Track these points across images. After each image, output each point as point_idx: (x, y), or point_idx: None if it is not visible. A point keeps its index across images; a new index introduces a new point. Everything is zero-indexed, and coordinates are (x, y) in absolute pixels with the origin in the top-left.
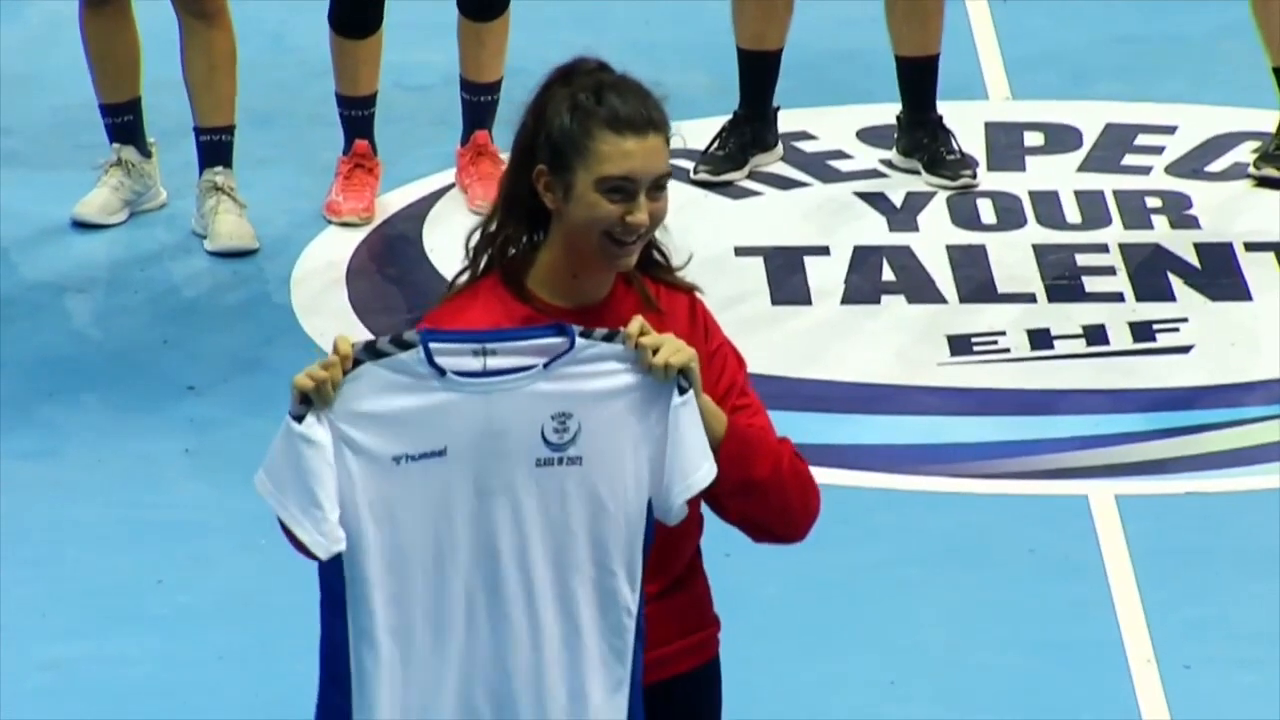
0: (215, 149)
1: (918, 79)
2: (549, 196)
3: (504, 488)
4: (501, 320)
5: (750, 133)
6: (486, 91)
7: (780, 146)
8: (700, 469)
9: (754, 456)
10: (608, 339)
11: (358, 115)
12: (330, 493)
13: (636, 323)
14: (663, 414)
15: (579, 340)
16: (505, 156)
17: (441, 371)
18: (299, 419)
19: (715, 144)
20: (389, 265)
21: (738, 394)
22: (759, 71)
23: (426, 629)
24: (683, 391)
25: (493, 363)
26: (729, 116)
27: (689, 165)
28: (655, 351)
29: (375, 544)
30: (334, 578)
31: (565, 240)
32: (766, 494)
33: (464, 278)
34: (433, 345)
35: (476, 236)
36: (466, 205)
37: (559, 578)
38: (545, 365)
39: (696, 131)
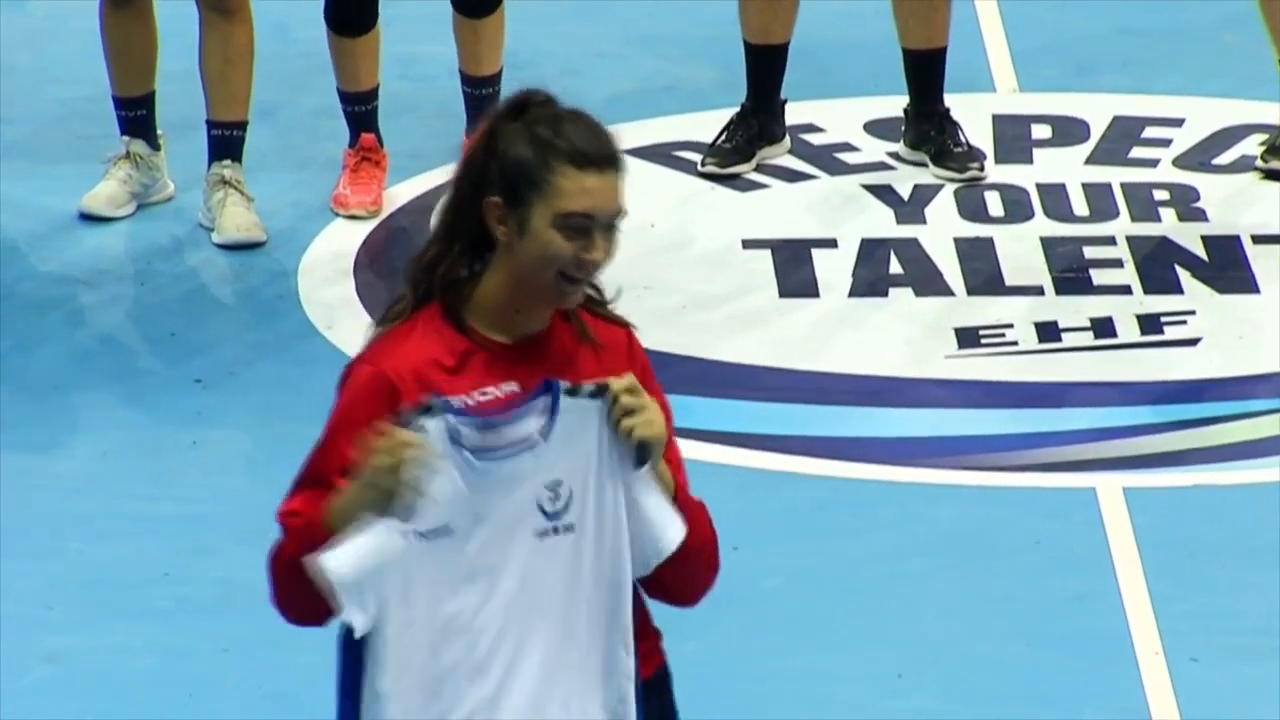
0: (226, 143)
1: (924, 72)
2: (501, 229)
3: (508, 563)
4: (441, 354)
5: (757, 125)
6: (487, 84)
7: (788, 139)
8: (668, 530)
9: (689, 526)
10: (594, 394)
11: (361, 110)
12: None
13: (626, 380)
14: (627, 480)
15: (564, 400)
16: None
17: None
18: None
19: (722, 137)
20: (396, 258)
21: (667, 447)
22: (766, 65)
23: (429, 701)
24: (639, 465)
25: (494, 439)
26: (736, 109)
27: (697, 157)
28: (629, 413)
29: (392, 617)
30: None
31: (512, 274)
32: (687, 564)
33: (400, 306)
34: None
35: (413, 266)
36: None
37: (563, 655)
38: (543, 434)
39: (703, 124)
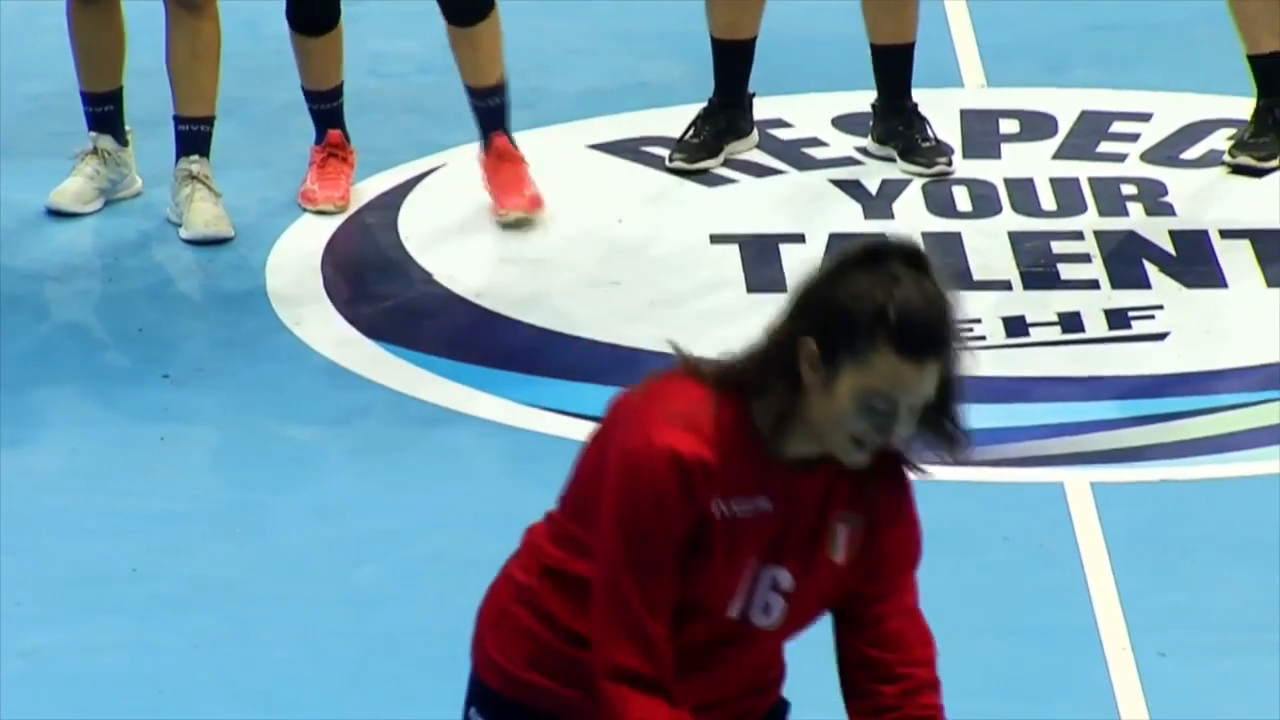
0: (193, 138)
1: (893, 67)
2: (810, 374)
3: None
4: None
5: (725, 121)
6: (492, 94)
7: (755, 134)
8: None
9: None
10: None
11: (325, 108)
12: None
13: None
14: None
15: None
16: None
17: None
18: None
19: (690, 132)
20: (364, 253)
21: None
22: (733, 60)
23: None
24: None
25: None
26: (704, 105)
27: (666, 153)
28: None
29: None
30: None
31: (808, 415)
32: None
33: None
34: None
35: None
36: (492, 212)
37: None
38: None
39: (672, 120)
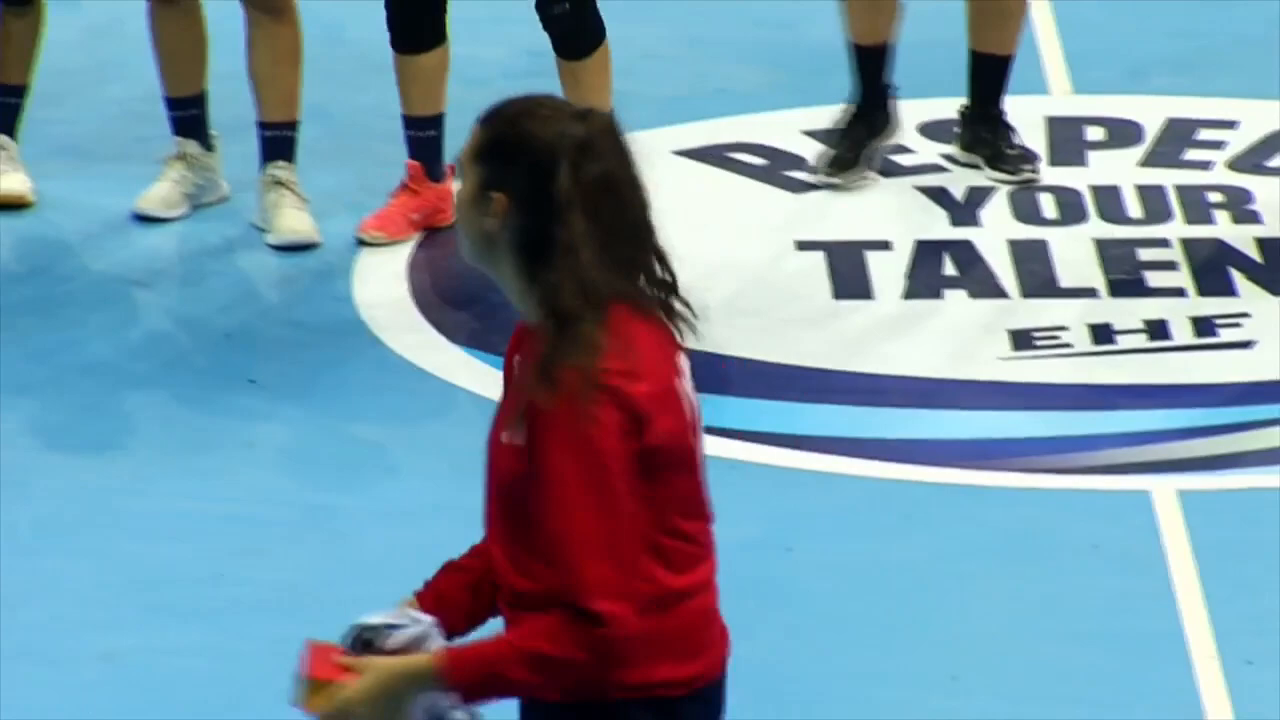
0: (278, 144)
1: (990, 76)
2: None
3: None
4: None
5: (865, 128)
6: None
7: (897, 123)
8: None
9: (491, 671)
10: None
11: (411, 135)
12: None
13: None
14: None
15: None
16: None
17: None
18: None
19: (836, 146)
20: (450, 259)
21: None
22: (871, 64)
23: None
24: None
25: None
26: (842, 111)
27: (749, 159)
28: None
29: None
30: None
31: None
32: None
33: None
34: None
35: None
36: None
37: None
38: None
39: (754, 126)
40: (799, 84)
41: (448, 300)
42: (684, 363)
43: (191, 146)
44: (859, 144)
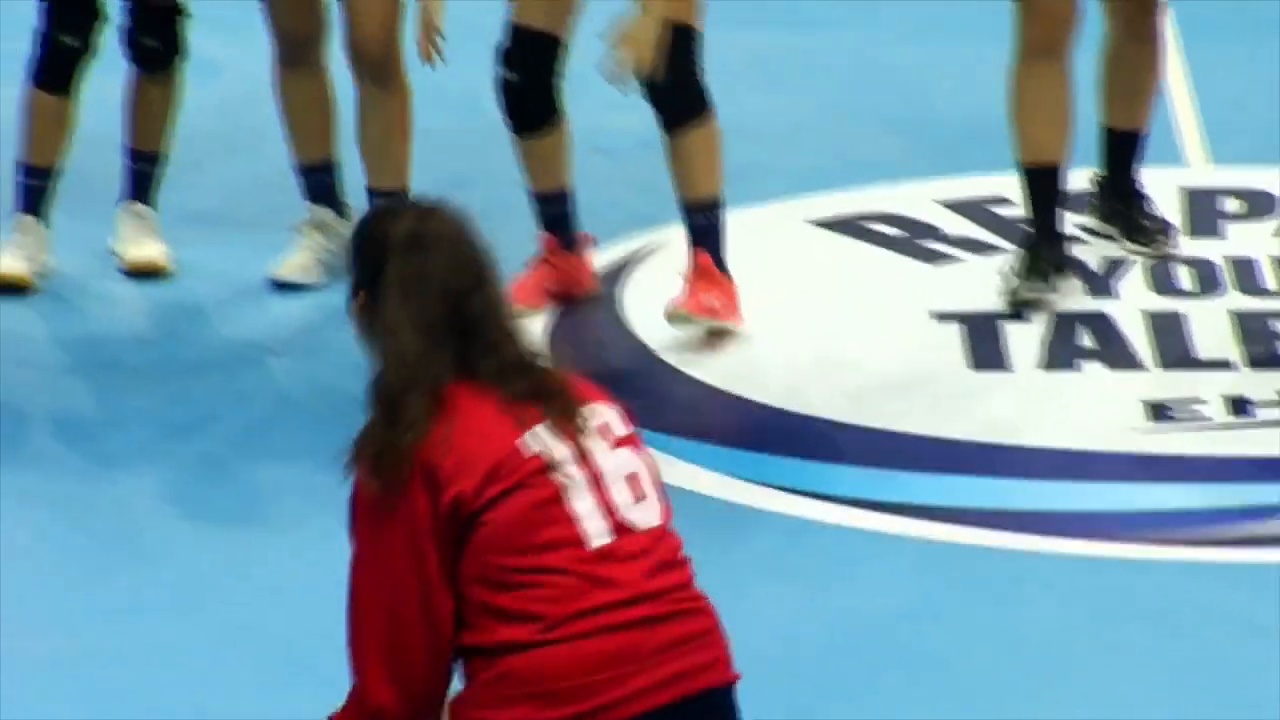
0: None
1: (1123, 151)
2: None
3: None
4: None
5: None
6: (697, 210)
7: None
8: None
9: None
10: None
11: (539, 210)
12: None
13: None
14: None
15: None
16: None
17: None
18: None
19: (1026, 268)
20: (587, 329)
21: None
22: (1043, 189)
23: None
24: None
25: None
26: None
27: (887, 230)
28: None
29: None
30: None
31: None
32: None
33: None
34: None
35: None
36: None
37: None
38: None
39: (893, 198)
40: (935, 155)
41: (585, 370)
42: (542, 427)
43: (325, 213)
44: (1045, 266)
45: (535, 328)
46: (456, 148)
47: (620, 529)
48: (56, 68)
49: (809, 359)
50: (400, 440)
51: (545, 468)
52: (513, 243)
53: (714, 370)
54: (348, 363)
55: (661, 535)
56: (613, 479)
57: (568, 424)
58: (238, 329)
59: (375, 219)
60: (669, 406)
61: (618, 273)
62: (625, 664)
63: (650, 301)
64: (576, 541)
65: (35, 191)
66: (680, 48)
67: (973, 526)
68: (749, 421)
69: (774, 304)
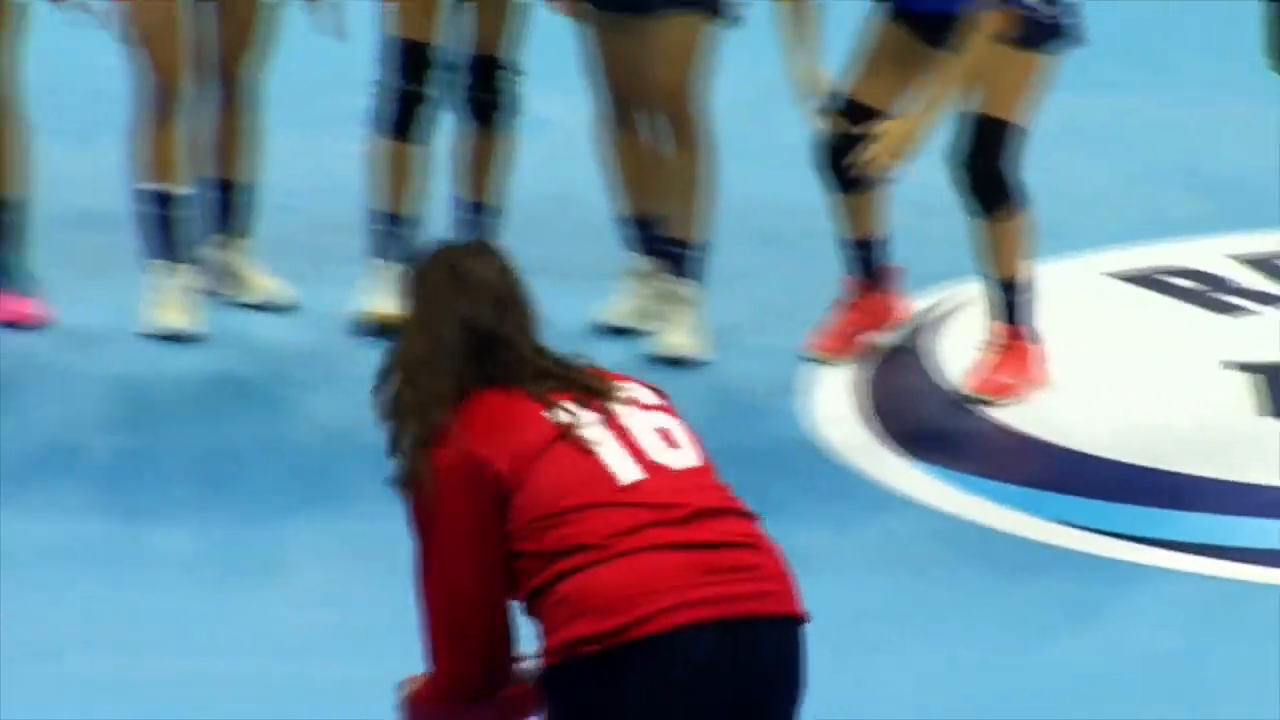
0: (689, 262)
1: None
2: None
3: None
4: None
5: None
6: (1000, 287)
7: None
8: None
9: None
10: None
11: (848, 256)
12: None
13: None
14: None
15: None
16: (1032, 345)
17: None
18: None
19: None
20: (897, 373)
21: None
22: None
23: None
24: None
25: None
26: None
27: (1184, 283)
28: None
29: None
30: None
31: None
32: None
33: None
34: None
35: None
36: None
37: None
38: None
39: (1191, 251)
40: (1229, 211)
41: (898, 416)
42: (567, 403)
43: (647, 262)
44: None
45: (843, 376)
46: (774, 203)
47: (653, 468)
48: (399, 115)
49: (1106, 405)
50: (431, 444)
51: (570, 429)
52: (824, 285)
53: (1017, 416)
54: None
55: (703, 474)
56: (641, 432)
57: (593, 398)
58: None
59: (429, 254)
60: (973, 449)
61: (931, 322)
62: (668, 579)
63: (959, 351)
64: (609, 480)
65: (388, 237)
66: (1000, 141)
67: (1252, 564)
68: (1048, 464)
69: (1073, 353)
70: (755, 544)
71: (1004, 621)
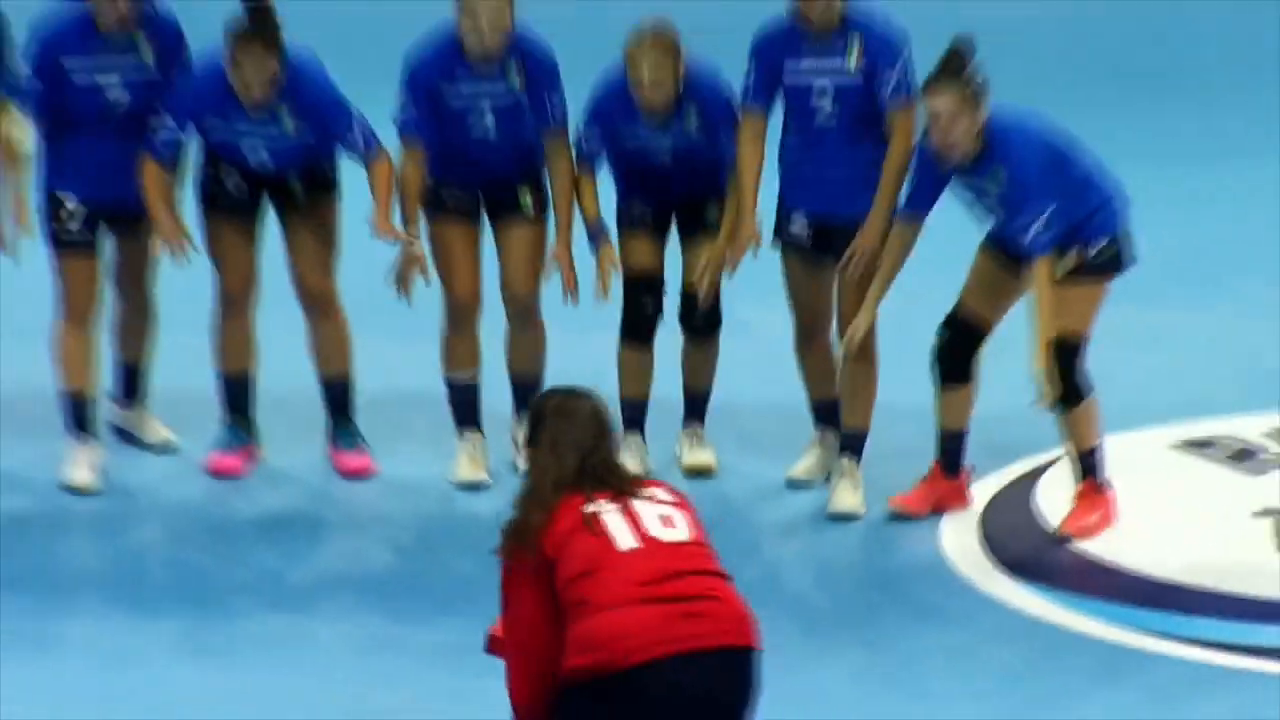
0: (853, 442)
1: None
2: None
3: None
4: None
5: None
6: (1081, 455)
7: None
8: None
9: None
10: None
11: (940, 443)
12: None
13: None
14: None
15: None
16: (1108, 492)
17: None
18: None
19: None
20: (1008, 513)
21: None
22: None
23: None
24: None
25: None
26: None
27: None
28: None
29: None
30: None
31: None
32: None
33: None
34: None
35: None
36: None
37: None
38: None
39: (1246, 424)
40: (1260, 396)
41: (1014, 550)
42: (603, 500)
43: (827, 432)
44: None
45: (966, 515)
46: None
47: (648, 540)
48: (639, 327)
49: (1169, 539)
50: (523, 536)
51: (594, 516)
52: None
53: (1100, 547)
54: (822, 548)
55: (689, 546)
56: (646, 516)
57: (622, 496)
58: (760, 520)
59: (542, 396)
60: (1067, 572)
61: (1034, 472)
62: (650, 625)
63: (1056, 498)
64: (610, 548)
65: (631, 421)
66: (1072, 353)
67: None
68: (1125, 583)
69: (1143, 502)
70: (718, 596)
71: (1092, 709)
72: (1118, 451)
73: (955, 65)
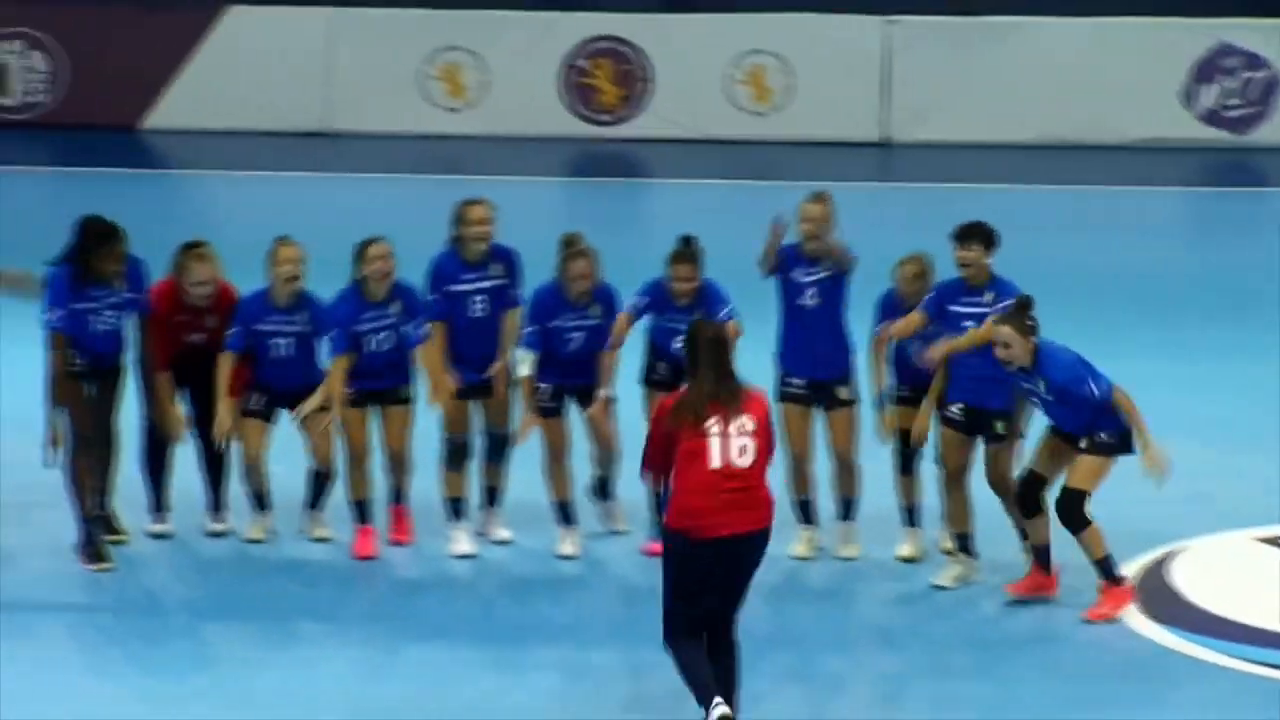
0: (963, 540)
1: None
2: None
3: None
4: None
5: None
6: (1099, 563)
7: None
8: None
9: None
10: None
11: (1032, 554)
12: None
13: None
14: None
15: None
16: (1125, 584)
17: None
18: None
19: None
20: (1147, 590)
21: None
22: None
23: None
24: None
25: None
26: None
27: None
28: None
29: None
30: None
31: None
32: None
33: None
34: None
35: None
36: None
37: None
38: None
39: None
40: None
41: (1165, 606)
42: (717, 418)
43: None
44: None
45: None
46: None
47: (725, 461)
48: None
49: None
50: (677, 420)
51: (707, 432)
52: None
53: (1211, 599)
54: (946, 633)
55: (751, 472)
56: (734, 444)
57: (730, 418)
58: (868, 600)
59: (692, 328)
60: (1197, 620)
61: (1165, 558)
62: (717, 510)
63: (1196, 579)
64: (706, 454)
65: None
66: (1080, 500)
67: None
68: (1233, 631)
69: (1237, 585)
70: (763, 498)
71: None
72: (1211, 547)
73: (1022, 305)
